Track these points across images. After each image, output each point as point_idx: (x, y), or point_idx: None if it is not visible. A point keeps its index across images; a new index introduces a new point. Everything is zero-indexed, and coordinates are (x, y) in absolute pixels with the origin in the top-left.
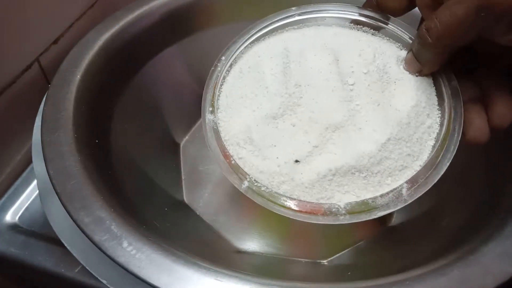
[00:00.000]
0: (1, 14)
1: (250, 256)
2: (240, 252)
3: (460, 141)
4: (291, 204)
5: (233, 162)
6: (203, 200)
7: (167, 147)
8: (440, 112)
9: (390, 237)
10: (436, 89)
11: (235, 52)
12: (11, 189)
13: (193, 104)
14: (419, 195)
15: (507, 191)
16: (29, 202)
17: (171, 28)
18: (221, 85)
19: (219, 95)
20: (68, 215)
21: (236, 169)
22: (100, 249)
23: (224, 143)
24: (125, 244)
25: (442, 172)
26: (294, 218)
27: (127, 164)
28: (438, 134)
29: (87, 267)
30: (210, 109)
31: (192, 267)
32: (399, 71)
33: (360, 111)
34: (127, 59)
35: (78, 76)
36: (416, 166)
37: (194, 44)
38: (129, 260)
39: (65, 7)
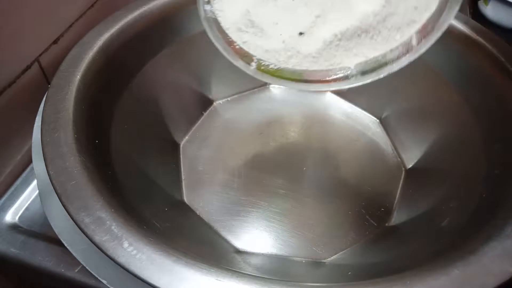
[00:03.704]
0: (1, 14)
1: (250, 256)
2: (240, 252)
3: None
4: (301, 75)
5: (237, 47)
6: (203, 200)
7: (167, 147)
8: None
9: (391, 237)
10: None
11: None
12: (11, 189)
13: (193, 104)
14: (431, 43)
15: (508, 191)
16: (29, 202)
17: (171, 28)
18: None
19: None
20: (68, 215)
21: (241, 53)
22: (100, 249)
23: (226, 31)
24: (125, 244)
25: (452, 17)
26: (307, 90)
27: (127, 164)
28: None
29: (87, 267)
30: (206, 0)
31: (192, 267)
32: None
33: None
34: (127, 59)
35: (78, 76)
36: (424, 18)
37: (194, 44)
38: (129, 261)
39: (65, 7)
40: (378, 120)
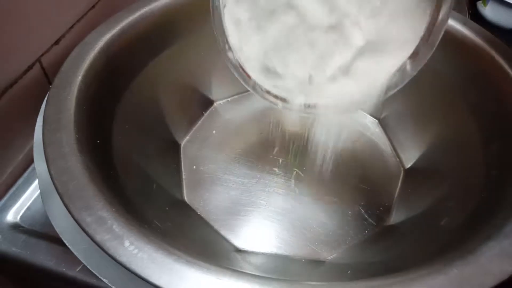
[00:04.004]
0: (3, 14)
1: (250, 255)
2: (240, 251)
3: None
4: (317, 108)
5: (264, 90)
6: (204, 199)
7: (167, 147)
8: None
9: (389, 236)
10: None
11: None
12: (13, 189)
13: (193, 104)
14: (422, 65)
15: (507, 191)
16: (30, 201)
17: (172, 29)
18: (226, 23)
19: (227, 32)
20: (69, 215)
21: (269, 95)
22: (102, 248)
23: (252, 76)
24: (126, 243)
25: (440, 35)
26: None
27: (128, 164)
28: None
29: (88, 266)
30: (227, 47)
31: (193, 266)
32: None
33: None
34: (128, 60)
35: (79, 77)
36: (418, 34)
37: (195, 44)
38: (130, 260)
39: (67, 8)
40: (377, 121)
